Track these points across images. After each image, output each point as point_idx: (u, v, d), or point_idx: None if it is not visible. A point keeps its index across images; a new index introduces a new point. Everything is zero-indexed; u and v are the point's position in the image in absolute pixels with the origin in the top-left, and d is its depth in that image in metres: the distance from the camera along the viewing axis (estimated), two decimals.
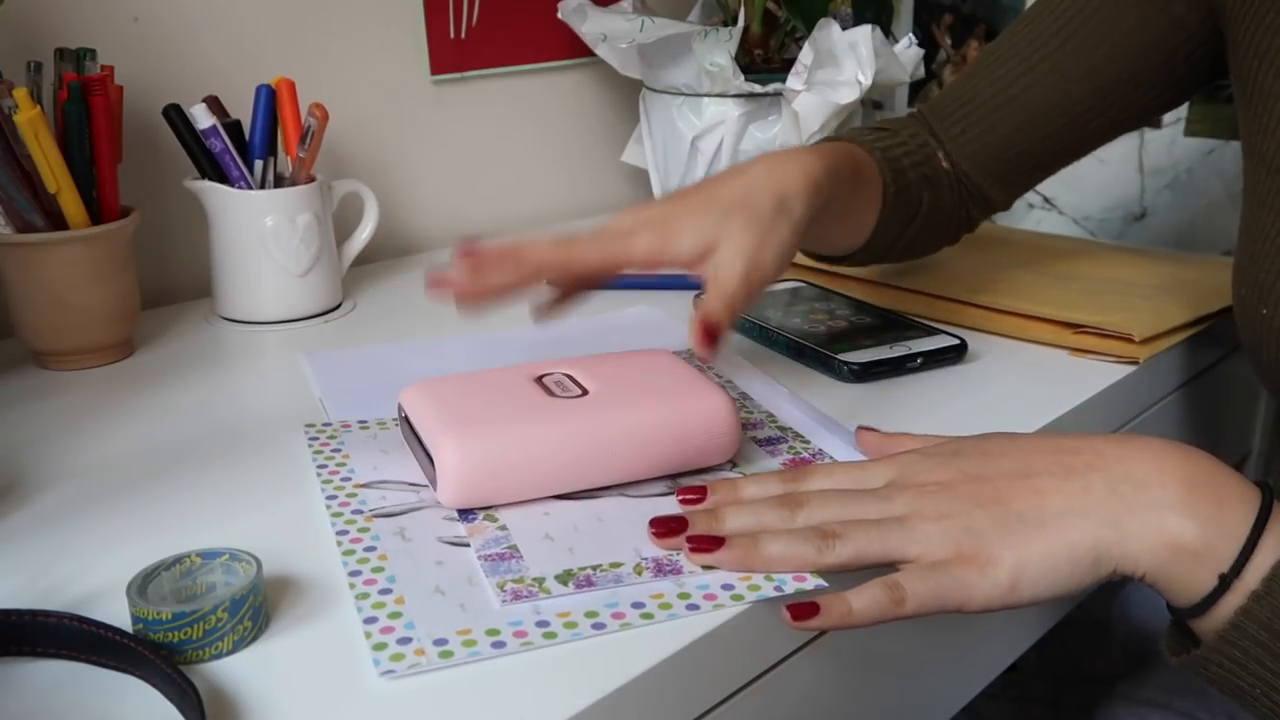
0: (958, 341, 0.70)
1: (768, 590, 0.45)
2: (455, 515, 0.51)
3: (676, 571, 0.46)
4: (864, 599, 0.44)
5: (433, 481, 0.51)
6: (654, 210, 0.60)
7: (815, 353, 0.69)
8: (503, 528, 0.50)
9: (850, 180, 0.66)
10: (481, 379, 0.56)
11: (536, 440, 0.51)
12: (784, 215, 0.58)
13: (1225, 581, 0.43)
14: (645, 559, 0.47)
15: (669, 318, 0.80)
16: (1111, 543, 0.44)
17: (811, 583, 0.46)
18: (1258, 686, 0.44)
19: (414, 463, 0.56)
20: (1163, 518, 0.44)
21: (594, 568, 0.46)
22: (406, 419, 0.55)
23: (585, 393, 0.55)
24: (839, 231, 0.70)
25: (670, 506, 0.52)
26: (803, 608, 0.44)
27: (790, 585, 0.46)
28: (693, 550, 0.47)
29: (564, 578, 0.46)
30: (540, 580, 0.45)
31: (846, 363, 0.67)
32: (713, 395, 0.55)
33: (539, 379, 0.56)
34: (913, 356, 0.68)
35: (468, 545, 0.48)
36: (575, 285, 0.63)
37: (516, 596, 0.44)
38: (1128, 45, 0.71)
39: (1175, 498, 0.44)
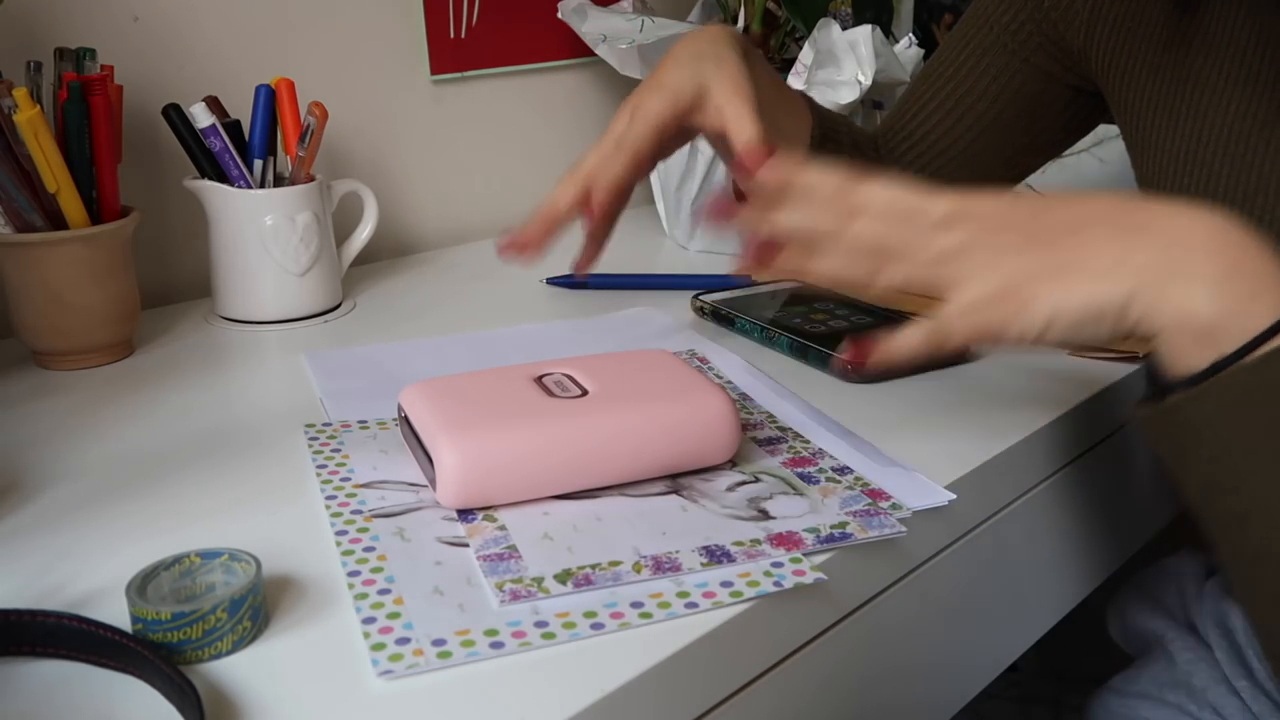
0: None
1: (767, 586, 0.46)
2: (454, 515, 0.51)
3: (675, 569, 0.46)
4: (915, 336, 0.47)
5: (432, 482, 0.51)
6: (639, 89, 0.65)
7: (817, 352, 0.69)
8: (502, 528, 0.50)
9: (775, 88, 0.71)
10: (481, 379, 0.56)
11: (536, 441, 0.51)
12: (733, 49, 0.64)
13: (1219, 365, 0.45)
14: (644, 557, 0.47)
15: (669, 318, 0.80)
16: (1145, 299, 0.46)
17: (811, 577, 0.46)
18: (1211, 448, 0.45)
19: (413, 463, 0.56)
20: (1197, 289, 0.45)
21: (593, 567, 0.46)
22: (406, 419, 0.55)
23: (585, 393, 0.55)
24: (782, 115, 0.72)
25: (669, 506, 0.52)
26: (860, 348, 0.46)
27: (790, 580, 0.46)
28: (752, 259, 0.48)
29: (563, 577, 0.46)
30: (539, 580, 0.45)
31: (848, 362, 0.67)
32: (712, 395, 0.55)
33: (539, 379, 0.56)
34: None
35: (466, 545, 0.48)
36: (610, 203, 0.65)
37: (515, 596, 0.44)
38: (995, 91, 0.76)
39: (1214, 272, 0.45)
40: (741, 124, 0.60)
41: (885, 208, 0.50)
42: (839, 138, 0.78)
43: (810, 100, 0.77)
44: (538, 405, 0.53)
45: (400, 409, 0.56)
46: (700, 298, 0.80)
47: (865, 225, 0.49)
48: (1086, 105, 0.76)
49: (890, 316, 0.76)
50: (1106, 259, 0.47)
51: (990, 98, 0.77)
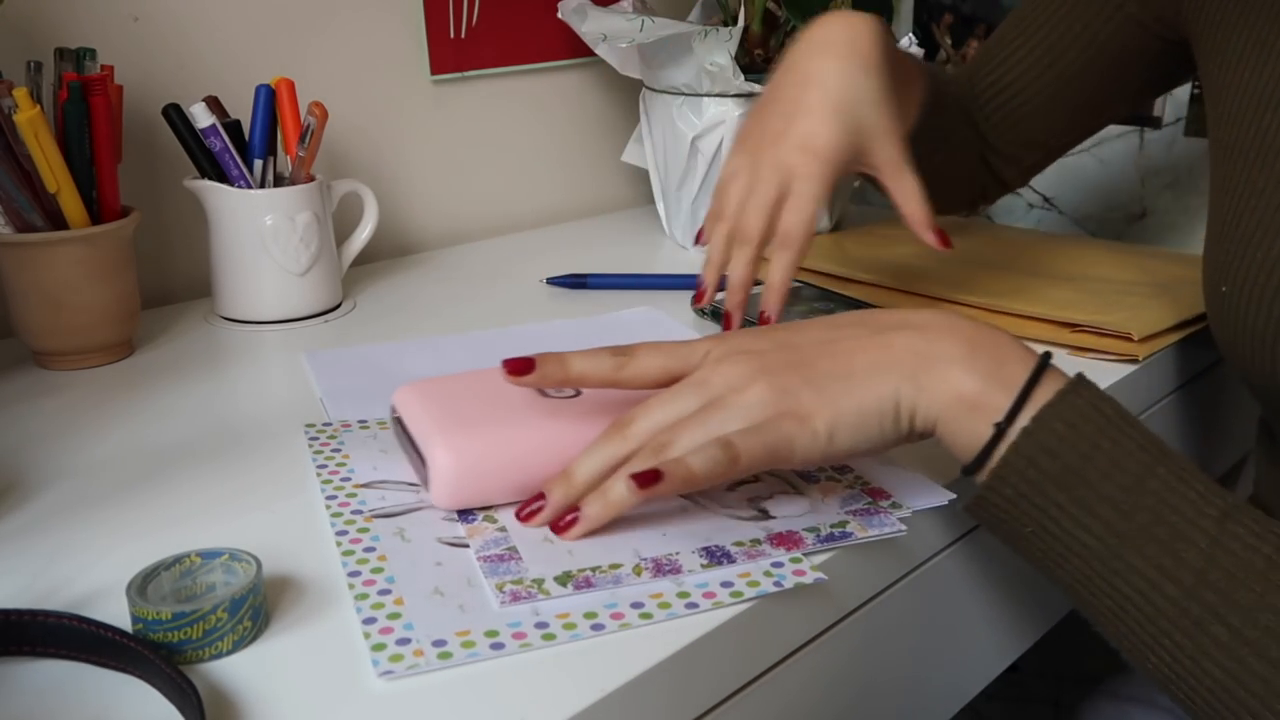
0: None
1: (767, 586, 0.46)
2: (455, 516, 0.51)
3: (675, 571, 0.46)
4: (701, 459, 0.46)
5: (425, 482, 0.51)
6: (790, 139, 0.66)
7: None
8: (502, 529, 0.50)
9: (899, 71, 0.70)
10: (475, 379, 0.56)
11: (529, 441, 0.51)
12: (881, 72, 0.66)
13: (1000, 429, 0.47)
14: (644, 559, 0.47)
15: (669, 318, 0.80)
16: (910, 396, 0.48)
17: (811, 577, 0.46)
18: (1033, 521, 0.47)
19: None
20: (949, 371, 0.48)
21: (593, 569, 0.46)
22: (399, 420, 0.55)
23: (578, 393, 0.55)
24: (903, 96, 0.72)
25: (669, 506, 0.52)
26: (645, 476, 0.46)
27: (790, 580, 0.46)
28: (560, 534, 0.49)
29: (563, 579, 0.46)
30: (540, 581, 0.45)
31: None
32: None
33: None
34: None
35: (467, 546, 0.48)
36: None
37: (515, 598, 0.44)
38: (1086, 39, 0.77)
39: (961, 354, 0.48)
40: (911, 204, 0.66)
41: (650, 402, 0.50)
42: (944, 100, 0.79)
43: (920, 66, 0.77)
44: (531, 405, 0.53)
45: (393, 410, 0.56)
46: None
47: (638, 428, 0.49)
48: (1174, 58, 0.76)
49: None
50: (864, 363, 0.49)
51: (1081, 45, 0.77)
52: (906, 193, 0.66)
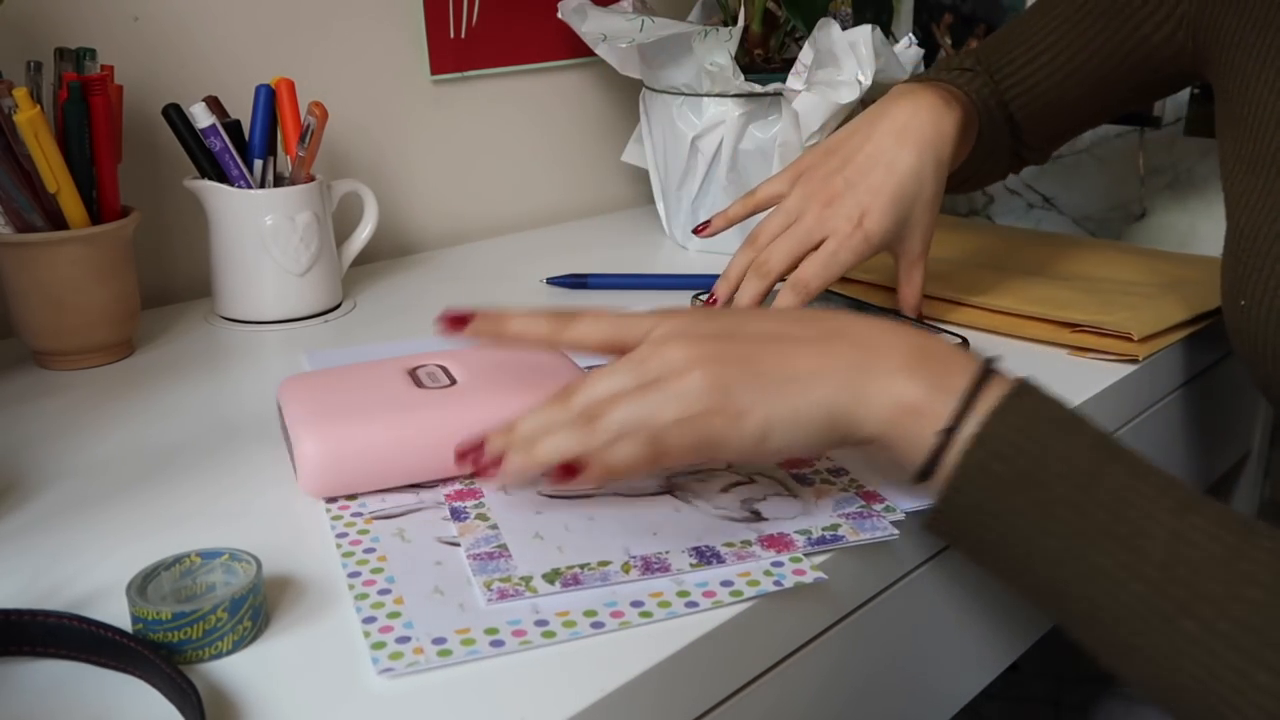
0: (960, 339, 0.70)
1: (767, 585, 0.46)
2: (453, 516, 0.51)
3: (665, 569, 0.46)
4: (622, 454, 0.46)
5: (297, 471, 0.53)
6: (840, 205, 0.70)
7: None
8: (493, 527, 0.50)
9: (965, 137, 0.75)
10: (356, 372, 0.58)
11: (394, 430, 0.53)
12: (940, 170, 0.71)
13: (946, 435, 0.47)
14: (634, 557, 0.47)
15: None
16: (847, 404, 0.48)
17: (811, 576, 0.46)
18: (993, 530, 0.46)
19: None
20: (892, 381, 0.48)
21: (581, 566, 0.47)
22: (280, 411, 0.57)
23: (454, 383, 0.56)
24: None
25: (662, 506, 0.52)
26: (566, 470, 0.46)
27: (790, 580, 0.46)
28: (479, 476, 0.49)
29: (551, 576, 0.46)
30: (528, 579, 0.45)
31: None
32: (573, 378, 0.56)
33: (412, 371, 0.57)
34: None
35: (458, 545, 0.48)
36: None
37: (504, 595, 0.44)
38: (1107, 51, 0.78)
39: (904, 364, 0.48)
40: (914, 296, 0.74)
41: (592, 374, 0.49)
42: (992, 116, 0.80)
43: (975, 99, 0.78)
44: (404, 396, 0.55)
45: (277, 402, 0.57)
46: (699, 297, 0.80)
47: (578, 399, 0.48)
48: (1186, 67, 0.77)
49: (892, 316, 0.75)
50: (806, 368, 0.48)
51: (1102, 56, 0.79)
52: (915, 285, 0.73)
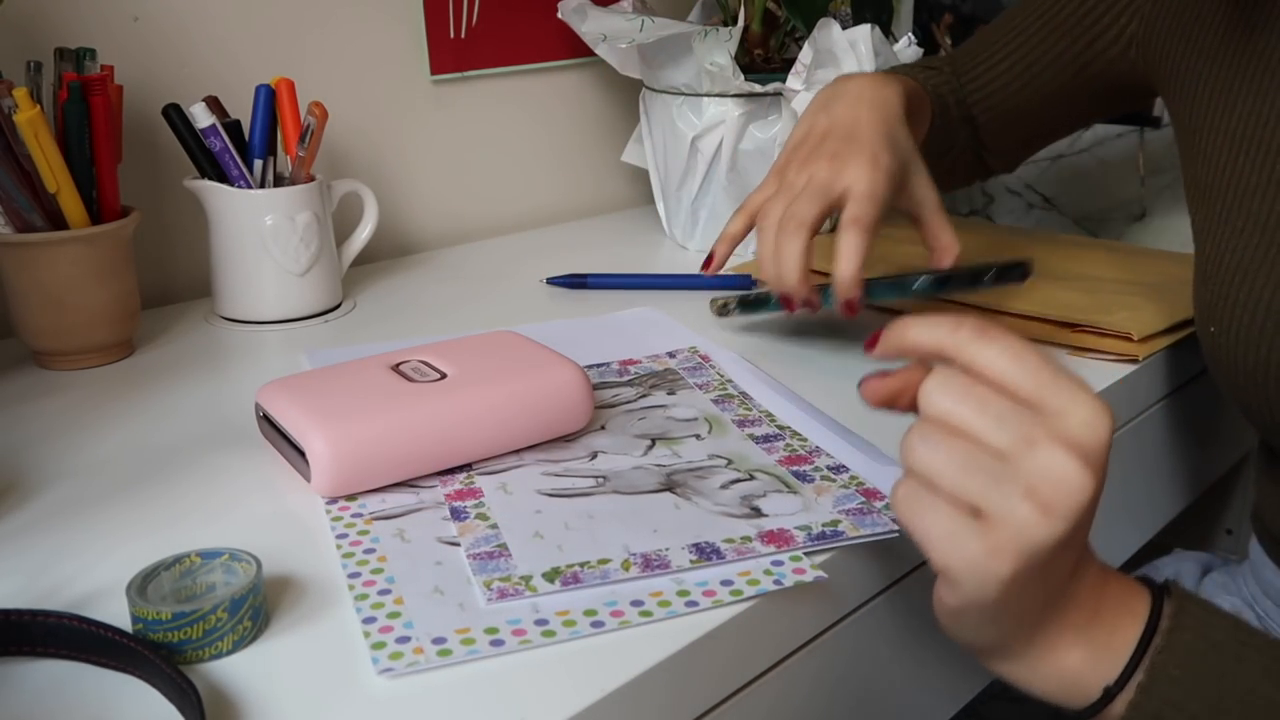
0: (1022, 264, 0.71)
1: (767, 584, 0.46)
2: (452, 515, 0.51)
3: (664, 567, 0.46)
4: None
5: (305, 474, 0.53)
6: (843, 161, 0.68)
7: (961, 276, 0.71)
8: (493, 526, 0.50)
9: (915, 114, 0.76)
10: (338, 372, 0.58)
11: (404, 422, 0.53)
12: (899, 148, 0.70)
13: (1110, 694, 0.44)
14: (633, 554, 0.47)
15: (668, 318, 0.80)
16: (1012, 673, 0.46)
17: (811, 575, 0.46)
18: None
19: None
20: (1056, 655, 0.44)
21: (581, 565, 0.47)
22: (266, 417, 0.56)
23: (443, 376, 0.57)
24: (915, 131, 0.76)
25: (662, 503, 0.52)
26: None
27: (790, 579, 0.46)
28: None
29: (551, 575, 0.46)
30: (527, 578, 0.45)
31: (992, 266, 0.70)
32: (563, 368, 0.58)
33: (396, 367, 0.58)
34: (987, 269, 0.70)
35: (458, 545, 0.48)
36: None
37: (503, 595, 0.44)
38: (1060, 65, 0.81)
39: (1074, 624, 0.44)
40: (948, 237, 0.71)
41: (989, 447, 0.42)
42: (949, 114, 0.83)
43: (929, 91, 0.81)
44: (400, 391, 0.55)
45: (259, 408, 0.57)
46: (727, 306, 0.79)
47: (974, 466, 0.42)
48: (1142, 82, 0.78)
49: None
50: (1035, 600, 0.44)
51: (1055, 69, 0.81)
52: (948, 230, 0.71)
